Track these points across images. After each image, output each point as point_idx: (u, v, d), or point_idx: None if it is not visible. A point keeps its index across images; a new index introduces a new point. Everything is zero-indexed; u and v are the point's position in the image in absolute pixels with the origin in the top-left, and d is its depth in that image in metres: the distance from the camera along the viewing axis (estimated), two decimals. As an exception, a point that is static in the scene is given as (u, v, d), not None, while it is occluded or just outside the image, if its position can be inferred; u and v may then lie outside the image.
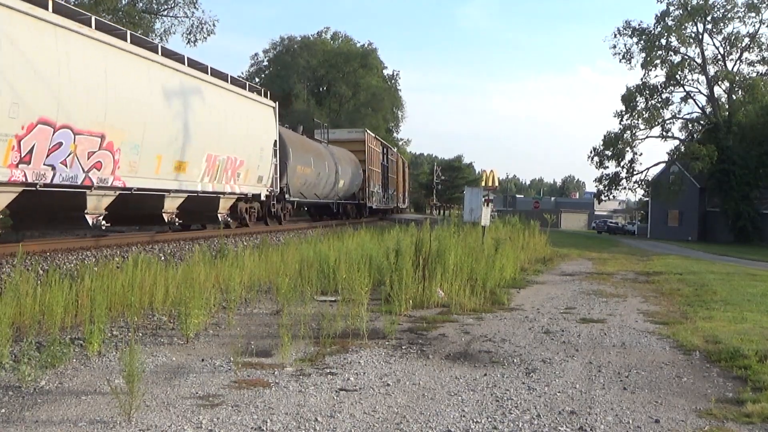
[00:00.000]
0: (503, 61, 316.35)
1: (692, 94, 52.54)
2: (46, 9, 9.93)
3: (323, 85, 67.17)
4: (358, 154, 31.89)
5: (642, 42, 51.27)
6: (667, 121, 53.31)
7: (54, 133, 10.06)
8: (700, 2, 49.77)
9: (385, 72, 72.68)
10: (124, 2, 30.88)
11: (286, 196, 21.28)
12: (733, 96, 50.79)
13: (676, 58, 51.33)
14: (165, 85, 13.29)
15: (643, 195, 59.65)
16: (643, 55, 51.32)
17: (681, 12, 50.20)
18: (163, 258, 11.58)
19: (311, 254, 11.35)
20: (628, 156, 51.78)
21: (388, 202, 40.95)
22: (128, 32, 12.36)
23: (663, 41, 51.07)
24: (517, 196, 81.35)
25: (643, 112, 51.72)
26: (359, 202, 32.50)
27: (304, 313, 7.66)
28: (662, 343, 7.43)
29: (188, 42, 32.32)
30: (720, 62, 51.67)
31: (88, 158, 10.99)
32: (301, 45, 67.32)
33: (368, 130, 35.85)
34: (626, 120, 51.82)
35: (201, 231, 16.54)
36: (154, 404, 4.65)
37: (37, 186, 9.95)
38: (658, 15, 51.08)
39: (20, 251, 8.09)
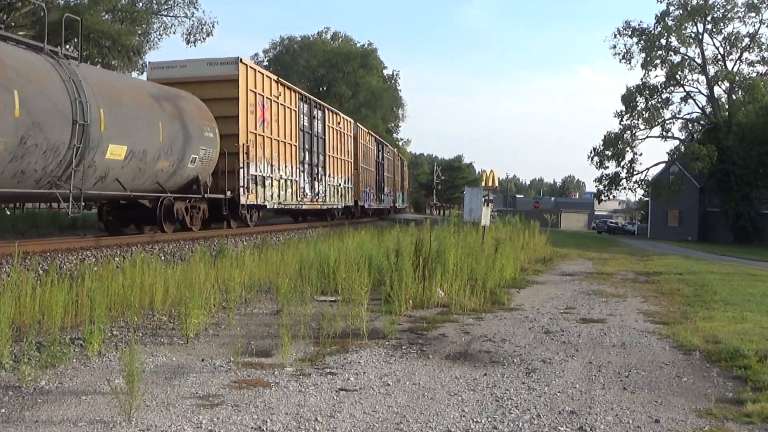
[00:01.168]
0: (503, 61, 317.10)
1: (692, 94, 52.65)
2: None
3: (323, 85, 67.10)
4: (219, 107, 16.64)
5: (642, 42, 51.32)
6: (667, 121, 53.44)
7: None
8: (700, 2, 49.78)
9: (385, 72, 72.79)
10: (124, 1, 30.84)
11: None
12: (733, 96, 50.81)
13: (676, 58, 51.38)
14: None
15: (643, 195, 59.66)
16: (643, 55, 51.38)
17: (681, 12, 50.22)
18: (163, 258, 11.58)
19: (311, 254, 11.34)
20: (628, 156, 51.89)
21: (319, 198, 24.63)
22: None
23: (663, 41, 51.11)
24: (517, 196, 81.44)
25: (643, 112, 51.75)
26: (205, 194, 15.96)
27: (304, 313, 7.66)
28: (662, 343, 7.43)
29: (187, 42, 32.28)
30: (720, 62, 51.72)
31: None
32: (301, 45, 67.34)
33: (249, 62, 18.57)
34: (626, 120, 51.90)
35: (201, 231, 16.48)
36: (154, 404, 4.65)
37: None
38: (658, 15, 51.17)
39: (17, 251, 8.06)
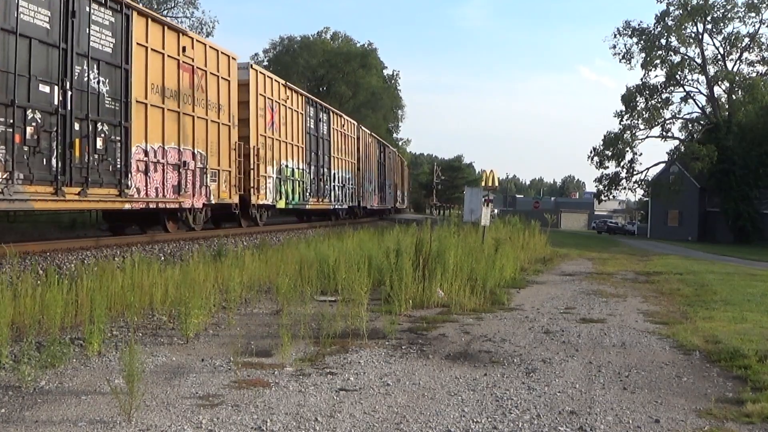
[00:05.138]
0: (503, 61, 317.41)
1: (692, 94, 52.72)
2: None
3: (323, 85, 67.12)
4: None
5: (642, 42, 51.36)
6: (667, 121, 53.55)
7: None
8: (700, 2, 49.83)
9: (385, 72, 72.84)
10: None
11: None
12: (733, 96, 50.86)
13: (676, 58, 51.43)
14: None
15: (643, 195, 59.74)
16: (643, 55, 51.41)
17: (681, 12, 50.26)
18: (163, 258, 11.58)
19: (311, 254, 11.34)
20: (628, 156, 51.94)
21: (139, 192, 12.79)
22: None
23: (663, 41, 51.15)
24: (517, 196, 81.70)
25: (643, 112, 51.83)
26: None
27: (304, 313, 7.65)
28: (662, 343, 7.43)
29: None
30: (720, 62, 51.80)
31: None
32: (301, 45, 67.35)
33: None
34: (626, 120, 51.98)
35: (201, 231, 16.49)
36: (154, 404, 4.65)
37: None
38: (658, 15, 51.25)
39: (13, 252, 8.05)
